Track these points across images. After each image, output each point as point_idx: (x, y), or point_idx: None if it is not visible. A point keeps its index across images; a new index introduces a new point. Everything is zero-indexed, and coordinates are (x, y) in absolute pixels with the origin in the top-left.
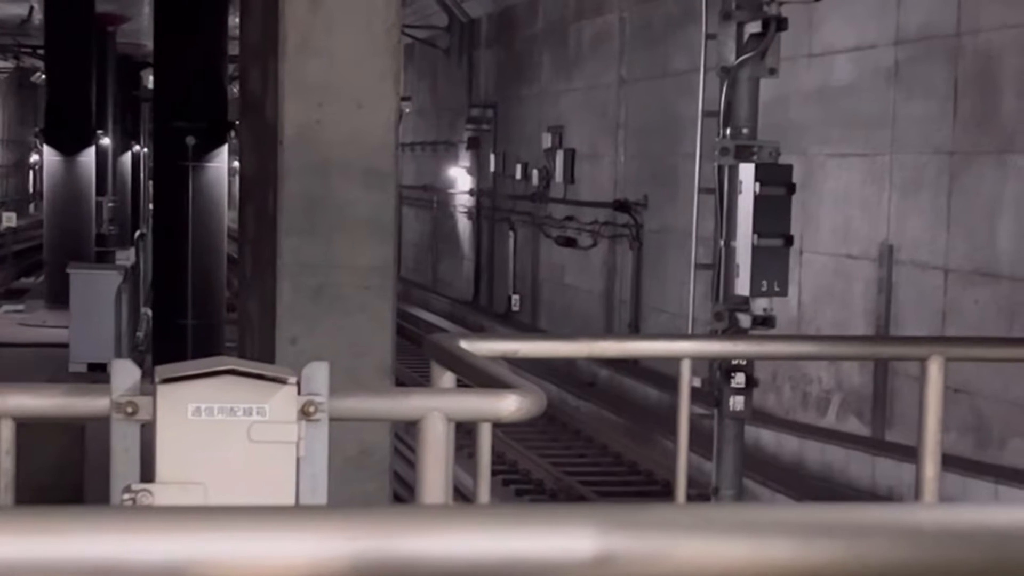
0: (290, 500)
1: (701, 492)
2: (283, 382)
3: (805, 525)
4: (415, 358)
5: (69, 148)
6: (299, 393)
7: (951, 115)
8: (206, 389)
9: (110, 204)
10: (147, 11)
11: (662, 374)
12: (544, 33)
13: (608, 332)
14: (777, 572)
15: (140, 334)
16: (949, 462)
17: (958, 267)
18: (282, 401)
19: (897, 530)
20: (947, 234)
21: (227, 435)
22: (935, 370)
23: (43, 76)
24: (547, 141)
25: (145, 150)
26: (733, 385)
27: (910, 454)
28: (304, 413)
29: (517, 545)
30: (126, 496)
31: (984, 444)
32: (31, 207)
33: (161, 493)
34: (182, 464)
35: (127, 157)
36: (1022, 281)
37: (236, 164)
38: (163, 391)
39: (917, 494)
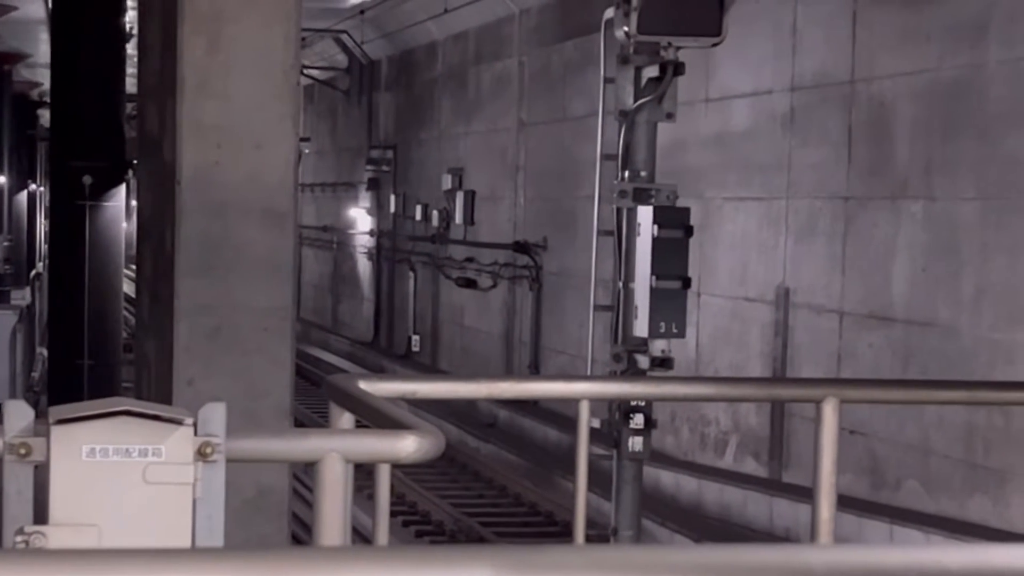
0: (186, 542)
1: (600, 533)
2: (179, 423)
3: (702, 566)
4: (314, 399)
5: None
6: (196, 434)
7: (846, 161)
8: (101, 430)
9: (5, 243)
10: (44, 49)
11: (562, 415)
12: (444, 76)
13: (508, 373)
14: None
15: (35, 374)
16: (845, 503)
17: (852, 310)
18: (178, 442)
19: (793, 570)
20: (842, 278)
21: (122, 476)
22: (830, 412)
23: None
24: (447, 183)
25: (41, 189)
26: (632, 426)
27: (806, 495)
28: (201, 454)
29: None
30: (19, 539)
31: (879, 485)
32: None
33: (55, 535)
34: (76, 506)
35: (23, 196)
36: (915, 325)
37: (134, 204)
38: (57, 432)
39: (813, 535)
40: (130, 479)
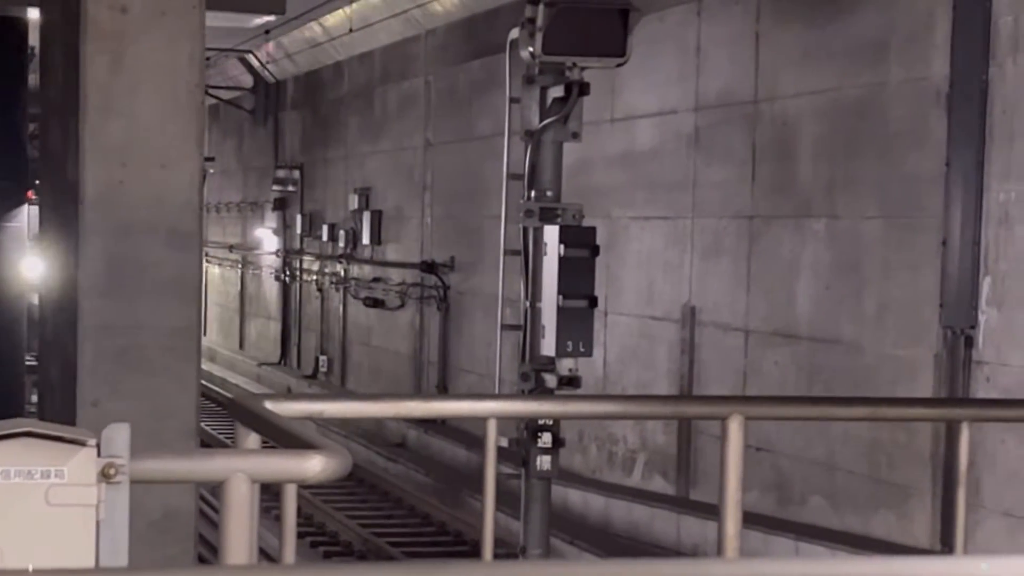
0: (90, 565)
1: (509, 552)
2: (82, 444)
3: None
4: (221, 421)
5: None
6: (99, 455)
7: (750, 180)
8: (3, 452)
9: None
10: None
11: (470, 434)
12: (350, 96)
13: (416, 392)
14: None
15: None
16: (751, 519)
17: (758, 328)
18: (81, 463)
19: None
20: (747, 296)
21: (24, 498)
22: (735, 429)
23: None
24: (354, 203)
25: None
26: (540, 445)
27: (714, 512)
28: (104, 475)
29: None
30: None
31: (785, 501)
32: None
33: None
34: None
35: None
36: (820, 342)
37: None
38: None
39: (719, 551)
40: (32, 501)
